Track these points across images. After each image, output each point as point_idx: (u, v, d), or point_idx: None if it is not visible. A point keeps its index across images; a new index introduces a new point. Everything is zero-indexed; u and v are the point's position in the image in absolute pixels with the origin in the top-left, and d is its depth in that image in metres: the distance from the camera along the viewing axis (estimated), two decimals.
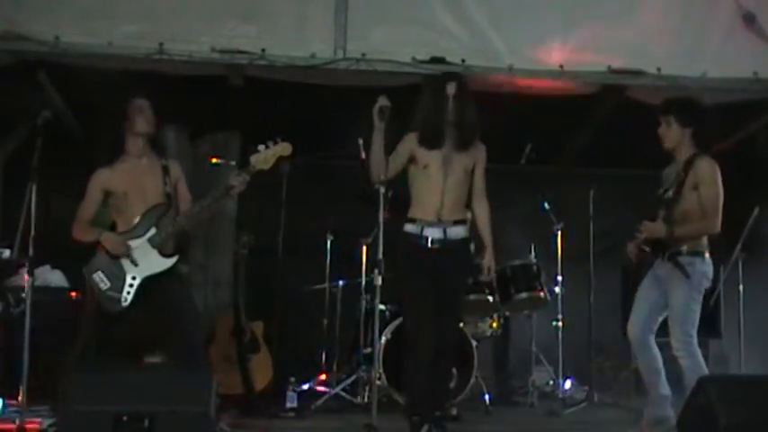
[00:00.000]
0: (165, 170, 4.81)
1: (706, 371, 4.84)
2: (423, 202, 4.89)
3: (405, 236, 4.88)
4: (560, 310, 6.58)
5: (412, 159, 4.90)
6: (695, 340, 4.85)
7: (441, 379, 4.91)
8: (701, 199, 4.87)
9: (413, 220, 4.89)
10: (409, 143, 4.90)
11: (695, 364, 4.83)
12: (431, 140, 4.84)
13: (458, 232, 4.88)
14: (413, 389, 4.94)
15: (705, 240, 4.99)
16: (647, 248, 4.97)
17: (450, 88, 4.82)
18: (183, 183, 4.90)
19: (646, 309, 5.03)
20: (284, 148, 4.81)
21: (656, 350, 5.01)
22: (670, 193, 4.90)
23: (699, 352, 4.86)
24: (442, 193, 4.84)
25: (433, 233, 4.84)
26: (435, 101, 4.86)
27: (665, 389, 5.03)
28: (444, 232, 4.84)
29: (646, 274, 5.06)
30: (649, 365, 5.05)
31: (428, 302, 4.78)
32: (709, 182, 4.87)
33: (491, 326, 6.52)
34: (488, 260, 4.96)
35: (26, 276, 4.64)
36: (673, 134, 4.99)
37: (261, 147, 4.77)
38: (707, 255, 4.95)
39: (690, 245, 4.90)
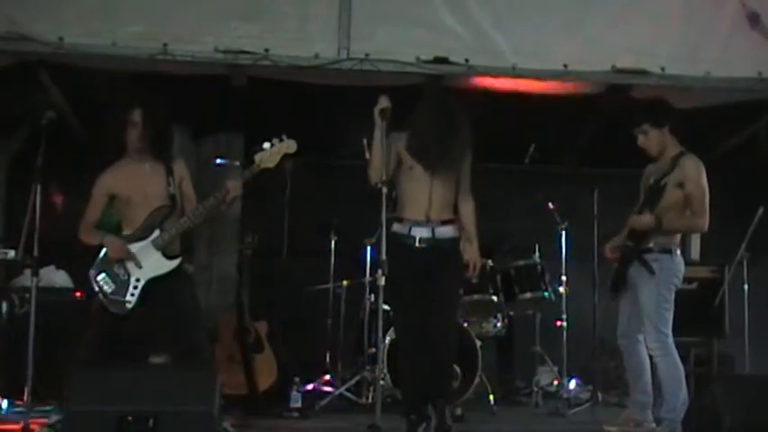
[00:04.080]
0: (169, 171, 4.78)
1: (682, 369, 4.87)
2: (411, 201, 4.89)
3: (392, 236, 4.87)
4: (565, 310, 6.58)
5: (399, 159, 4.90)
6: (670, 339, 4.87)
7: (439, 376, 4.85)
8: (688, 197, 4.89)
9: (400, 220, 4.89)
10: (397, 144, 4.89)
11: (671, 363, 4.85)
12: (418, 151, 4.84)
13: (446, 232, 4.88)
14: (404, 388, 4.94)
15: (677, 239, 5.01)
16: (631, 244, 4.97)
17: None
18: (187, 182, 4.87)
19: (626, 314, 5.07)
20: (289, 146, 4.82)
21: (642, 356, 5.03)
22: (652, 182, 4.89)
23: (675, 350, 4.87)
24: (429, 191, 4.85)
25: (420, 232, 4.85)
26: (429, 115, 4.87)
27: (646, 396, 5.04)
28: (432, 231, 4.84)
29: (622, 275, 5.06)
30: (632, 370, 5.10)
31: (412, 302, 4.78)
32: (695, 180, 4.89)
33: (495, 326, 6.52)
34: (473, 257, 4.90)
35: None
36: (653, 140, 5.01)
37: (266, 144, 4.78)
38: (677, 253, 4.96)
39: (660, 242, 4.91)
